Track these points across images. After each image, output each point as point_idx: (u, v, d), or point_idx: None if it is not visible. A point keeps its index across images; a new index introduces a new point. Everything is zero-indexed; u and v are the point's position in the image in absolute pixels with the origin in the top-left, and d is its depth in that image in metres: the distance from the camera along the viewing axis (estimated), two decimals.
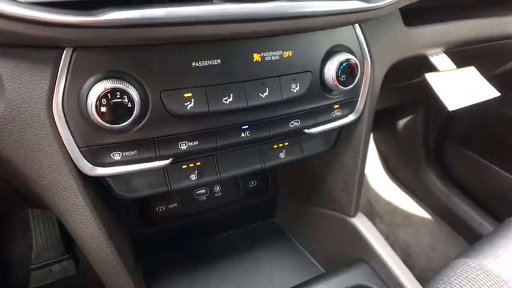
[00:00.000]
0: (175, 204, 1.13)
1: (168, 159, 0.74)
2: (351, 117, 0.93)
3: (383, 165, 2.50)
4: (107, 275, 0.78)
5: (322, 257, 1.19)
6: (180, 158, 0.78)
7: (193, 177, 0.83)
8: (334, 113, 0.89)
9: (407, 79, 1.41)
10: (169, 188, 0.80)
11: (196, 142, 0.75)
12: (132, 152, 0.67)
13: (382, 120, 2.17)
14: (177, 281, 1.12)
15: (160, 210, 1.11)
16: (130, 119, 0.61)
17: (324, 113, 0.88)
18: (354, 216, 1.06)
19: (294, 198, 1.27)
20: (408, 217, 2.22)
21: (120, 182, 0.78)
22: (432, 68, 1.14)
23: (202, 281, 1.12)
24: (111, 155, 0.66)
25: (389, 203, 2.34)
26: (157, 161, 0.73)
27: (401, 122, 2.30)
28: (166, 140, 0.69)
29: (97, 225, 0.73)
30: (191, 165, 0.82)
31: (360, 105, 0.92)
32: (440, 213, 2.12)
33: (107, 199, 0.80)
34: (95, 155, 0.66)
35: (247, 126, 0.79)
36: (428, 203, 2.19)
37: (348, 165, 1.02)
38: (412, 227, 2.18)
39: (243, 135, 0.79)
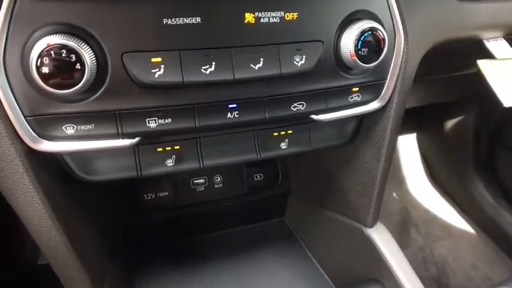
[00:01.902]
0: (167, 193, 1.00)
1: (134, 138, 0.62)
2: (374, 105, 0.76)
3: (425, 170, 2.30)
4: (57, 264, 0.68)
5: (331, 268, 1.03)
6: (151, 139, 0.66)
7: (169, 162, 0.69)
8: (352, 98, 0.72)
9: (456, 69, 1.19)
10: (138, 173, 0.67)
11: (169, 120, 0.61)
12: (89, 126, 0.58)
13: (427, 119, 2.01)
14: (166, 277, 1.00)
15: (149, 198, 0.99)
16: (80, 84, 0.52)
17: (338, 96, 0.71)
18: (371, 226, 0.88)
19: (307, 198, 1.11)
20: (448, 229, 2.01)
21: (80, 161, 0.66)
22: (487, 56, 0.93)
23: (192, 280, 0.99)
24: (64, 128, 0.57)
25: (427, 212, 2.13)
26: (119, 139, 0.61)
27: (450, 123, 2.08)
28: (130, 114, 0.59)
29: (44, 209, 0.62)
30: (168, 148, 0.69)
31: (386, 91, 0.75)
32: (486, 227, 1.91)
33: (69, 181, 0.68)
34: (44, 126, 0.57)
35: (235, 105, 0.64)
36: (473, 215, 1.97)
37: (367, 164, 0.84)
38: (451, 241, 1.97)
39: (229, 115, 0.65)
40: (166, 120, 0.62)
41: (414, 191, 2.18)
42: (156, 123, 0.61)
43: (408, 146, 2.22)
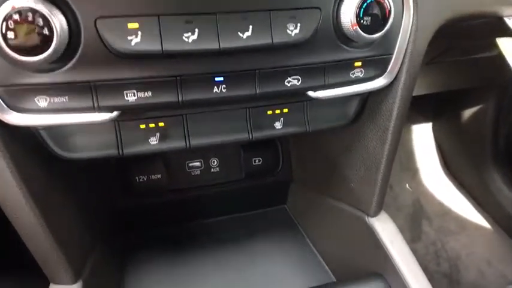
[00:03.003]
0: (160, 176, 0.95)
1: (112, 112, 0.58)
2: (378, 83, 0.70)
3: (440, 161, 2.22)
4: (33, 247, 0.64)
5: (332, 259, 0.98)
6: (133, 115, 0.62)
7: (153, 140, 0.64)
8: (354, 74, 0.66)
9: (474, 50, 1.10)
10: (120, 152, 0.63)
11: (149, 93, 0.57)
12: (62, 99, 0.54)
13: (443, 108, 1.95)
14: (156, 264, 0.96)
15: (141, 180, 0.95)
16: (49, 51, 0.49)
17: (338, 71, 0.65)
18: (374, 215, 0.83)
19: (309, 185, 1.05)
20: (462, 223, 1.93)
21: (57, 137, 0.62)
22: (508, 35, 0.85)
23: (185, 269, 0.95)
24: (36, 99, 0.54)
25: (441, 205, 2.06)
26: (96, 113, 0.57)
27: (467, 112, 1.99)
28: (106, 86, 0.56)
29: (18, 187, 0.58)
30: (151, 125, 0.64)
31: (393, 67, 0.69)
32: (502, 223, 1.82)
33: (48, 160, 0.64)
34: (15, 97, 0.54)
35: (221, 79, 0.59)
36: (489, 209, 1.89)
37: (372, 149, 0.78)
38: (465, 235, 1.90)
39: (216, 90, 0.59)
40: (146, 94, 0.57)
41: (428, 182, 2.10)
42: (134, 96, 0.57)
43: (423, 136, 2.14)
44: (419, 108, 2.01)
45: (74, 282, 0.67)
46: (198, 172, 1.00)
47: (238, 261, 0.99)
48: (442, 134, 2.12)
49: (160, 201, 1.00)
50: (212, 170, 1.01)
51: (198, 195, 1.03)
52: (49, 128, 0.60)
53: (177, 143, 0.65)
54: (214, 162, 1.01)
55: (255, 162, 1.03)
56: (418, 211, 2.11)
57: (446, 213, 1.98)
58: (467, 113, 1.94)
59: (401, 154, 2.09)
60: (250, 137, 0.69)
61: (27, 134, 0.60)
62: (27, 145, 0.61)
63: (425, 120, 2.19)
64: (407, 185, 2.15)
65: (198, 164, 1.00)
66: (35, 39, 0.47)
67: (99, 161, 0.90)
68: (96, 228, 0.82)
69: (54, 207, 0.66)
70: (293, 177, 1.11)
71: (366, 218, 0.83)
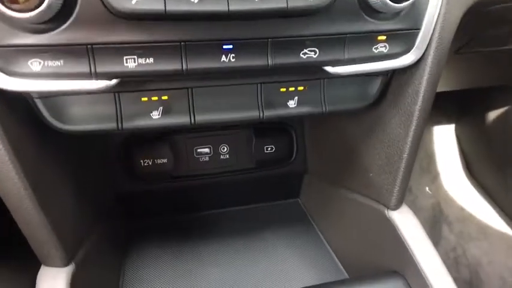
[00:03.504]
0: (165, 160, 0.90)
1: (110, 79, 0.54)
2: (404, 60, 0.64)
3: (462, 163, 2.13)
4: (25, 226, 0.59)
5: (346, 255, 0.92)
6: (134, 86, 0.58)
7: (155, 115, 0.60)
8: (377, 48, 0.61)
9: (504, 40, 1.02)
10: (119, 126, 0.58)
11: (151, 59, 0.52)
12: (57, 62, 0.51)
13: (467, 108, 1.87)
14: (157, 255, 0.91)
15: (145, 164, 0.90)
16: (42, 7, 0.45)
17: (359, 45, 0.60)
18: (394, 209, 0.76)
19: (324, 176, 0.99)
20: (484, 229, 1.84)
21: (53, 107, 0.58)
22: None
23: (188, 261, 0.90)
24: (29, 63, 0.51)
25: (462, 209, 1.98)
26: (93, 80, 0.53)
27: (493, 112, 1.91)
28: (104, 50, 0.52)
29: (9, 160, 0.54)
30: (154, 98, 0.59)
31: (421, 43, 0.63)
32: None
33: (43, 133, 0.60)
34: (7, 59, 0.51)
35: (230, 46, 0.54)
36: None
37: (394, 135, 0.71)
38: (487, 242, 1.81)
39: (224, 58, 0.54)
40: (148, 60, 0.53)
41: (449, 186, 2.02)
42: (135, 62, 0.53)
43: (445, 138, 2.07)
44: (442, 107, 1.93)
45: (66, 264, 0.62)
46: (207, 159, 0.95)
47: (246, 256, 0.93)
48: (466, 135, 2.03)
49: (164, 188, 0.95)
50: (221, 157, 0.96)
51: (205, 183, 0.97)
52: (45, 98, 0.56)
53: (181, 119, 0.60)
54: (224, 148, 0.96)
55: (267, 150, 0.97)
56: (438, 215, 2.04)
57: (467, 218, 1.90)
58: (493, 113, 1.84)
59: (421, 156, 2.01)
60: (261, 115, 0.63)
61: (22, 104, 0.57)
62: (21, 116, 0.57)
63: (448, 120, 2.11)
64: (427, 188, 2.07)
65: (206, 150, 0.95)
66: None
67: (101, 139, 0.87)
68: (95, 211, 0.77)
69: (48, 184, 0.61)
70: (308, 168, 1.05)
71: (386, 211, 0.76)
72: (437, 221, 1.97)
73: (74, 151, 0.73)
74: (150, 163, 0.90)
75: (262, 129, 0.97)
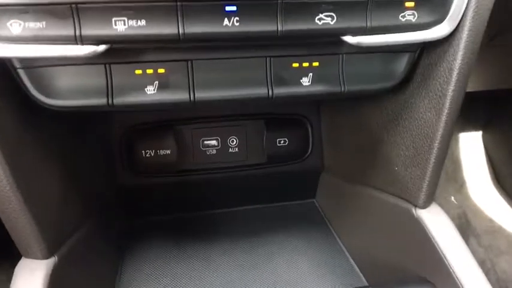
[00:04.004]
0: (169, 152, 0.83)
1: (98, 44, 0.48)
2: (436, 32, 0.56)
3: (490, 173, 2.02)
4: (5, 216, 0.53)
5: (367, 261, 0.83)
6: (126, 56, 0.52)
7: (150, 90, 0.53)
8: (404, 16, 0.53)
9: None
10: (109, 101, 0.52)
11: (143, 22, 0.47)
12: (39, 24, 0.46)
13: (496, 113, 1.78)
14: (157, 255, 0.84)
15: (147, 155, 0.83)
16: None
17: (384, 10, 0.53)
18: (424, 207, 0.67)
19: (343, 173, 0.89)
20: None
21: (38, 79, 0.52)
22: None
23: (190, 265, 0.83)
24: (8, 24, 0.46)
25: (491, 221, 1.90)
26: (78, 45, 0.48)
27: None
28: (91, 10, 0.47)
29: None
30: (149, 71, 0.53)
31: (456, 11, 0.55)
32: None
33: (29, 111, 0.54)
34: None
35: (234, 8, 0.48)
36: None
37: (423, 121, 0.63)
38: None
39: (226, 22, 0.48)
40: (139, 22, 0.47)
41: (476, 196, 1.94)
42: (125, 25, 0.47)
43: (471, 145, 1.97)
44: (469, 112, 1.83)
45: (46, 257, 0.56)
46: (214, 152, 0.88)
47: (253, 260, 0.85)
48: (494, 143, 1.93)
49: (167, 182, 0.88)
50: (230, 150, 0.89)
51: (211, 178, 0.90)
52: (29, 68, 0.51)
53: (179, 95, 0.54)
54: (233, 141, 0.89)
55: (279, 143, 0.89)
56: (465, 227, 1.95)
57: (496, 230, 1.81)
58: None
59: (446, 163, 1.90)
60: (270, 93, 0.56)
61: (3, 76, 0.50)
62: (2, 89, 0.51)
63: (475, 127, 2.01)
64: (452, 197, 1.97)
65: (214, 142, 0.88)
66: None
67: (100, 125, 0.81)
68: (89, 204, 0.71)
69: (32, 168, 0.55)
70: (324, 165, 0.96)
71: (413, 210, 0.67)
72: (464, 232, 1.91)
73: (67, 136, 0.66)
74: (153, 154, 0.83)
75: (274, 120, 0.89)
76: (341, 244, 0.90)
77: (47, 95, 0.52)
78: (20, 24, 0.46)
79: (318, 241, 0.91)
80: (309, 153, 0.94)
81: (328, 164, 0.96)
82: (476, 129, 1.94)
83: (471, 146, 1.98)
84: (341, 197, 0.92)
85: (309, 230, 0.94)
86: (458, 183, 1.92)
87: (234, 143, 0.89)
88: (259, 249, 0.88)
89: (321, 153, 0.95)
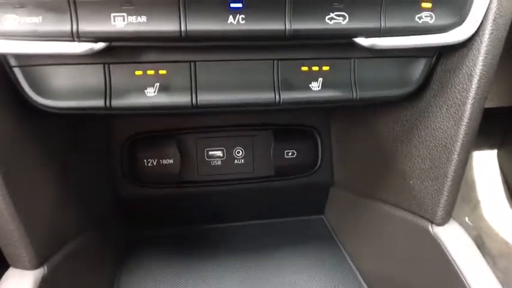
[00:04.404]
0: (172, 161, 0.80)
1: (96, 41, 0.45)
2: (456, 34, 0.52)
3: (506, 192, 1.94)
4: None
5: (379, 282, 0.78)
6: (130, 57, 0.50)
7: (150, 92, 0.50)
8: (421, 18, 0.50)
9: None
10: (107, 103, 0.49)
11: (144, 18, 0.44)
12: (35, 19, 0.44)
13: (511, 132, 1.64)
14: (157, 271, 0.80)
15: (149, 164, 0.80)
16: None
17: (400, 11, 0.50)
18: (441, 224, 0.62)
19: (354, 188, 0.85)
20: None
21: (34, 78, 0.50)
22: None
23: (191, 279, 0.78)
24: (2, 18, 0.44)
25: (507, 243, 1.80)
26: (75, 42, 0.45)
27: None
28: (89, 4, 0.44)
29: None
30: (150, 72, 0.50)
31: (476, 12, 0.51)
32: None
33: (22, 111, 0.52)
34: None
35: (239, 5, 0.45)
36: None
37: (441, 131, 0.59)
38: None
39: (231, 20, 0.45)
40: (139, 18, 0.44)
41: (491, 217, 1.88)
42: (124, 21, 0.45)
43: (486, 163, 1.91)
44: (483, 129, 1.77)
45: (35, 267, 0.52)
46: (219, 163, 0.84)
47: (258, 279, 0.80)
48: (509, 161, 1.88)
49: (169, 194, 0.84)
50: (236, 161, 0.85)
51: (215, 191, 0.86)
52: (24, 67, 0.48)
53: (180, 98, 0.51)
54: (239, 152, 0.85)
55: (287, 155, 0.85)
56: (480, 249, 1.83)
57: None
58: None
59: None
60: (277, 98, 0.52)
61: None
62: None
63: (490, 145, 1.93)
64: (466, 218, 1.87)
65: (219, 153, 0.84)
66: None
67: (101, 132, 0.78)
68: (86, 213, 0.67)
69: (23, 172, 0.52)
70: (334, 179, 0.92)
71: (430, 227, 0.62)
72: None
73: (64, 141, 0.64)
74: (155, 163, 0.79)
75: (283, 131, 0.86)
76: (351, 263, 0.85)
77: (43, 95, 0.50)
78: (15, 19, 0.44)
79: (327, 260, 0.86)
80: (318, 166, 0.89)
81: (338, 177, 0.91)
82: (491, 147, 1.87)
83: (486, 164, 1.91)
84: (351, 212, 0.87)
85: (317, 248, 0.89)
86: (472, 203, 1.83)
87: (240, 154, 0.85)
88: (264, 268, 0.83)
89: (331, 166, 0.90)
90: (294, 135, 0.86)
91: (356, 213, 0.85)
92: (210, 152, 0.84)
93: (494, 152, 1.91)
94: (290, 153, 0.85)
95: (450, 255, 0.59)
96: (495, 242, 1.86)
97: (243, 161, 0.85)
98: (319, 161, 0.89)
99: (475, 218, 1.87)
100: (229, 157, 0.84)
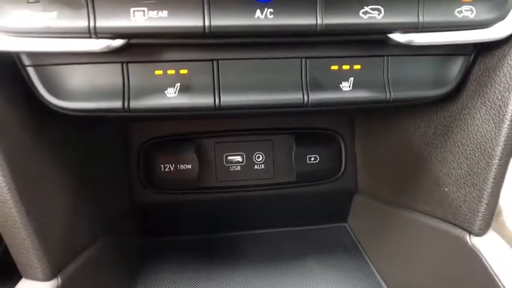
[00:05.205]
0: (190, 167, 0.77)
1: (114, 38, 0.43)
2: (497, 30, 0.49)
3: None
4: (9, 239, 0.47)
5: None
6: (149, 57, 0.47)
7: (170, 92, 0.47)
8: (461, 12, 0.47)
9: None
10: (125, 104, 0.46)
11: (165, 13, 0.41)
12: (50, 14, 0.42)
13: None
14: (174, 279, 0.77)
15: (167, 169, 0.77)
16: None
17: (438, 4, 0.47)
18: (480, 234, 0.58)
19: (380, 195, 0.81)
20: None
21: (49, 79, 0.47)
22: None
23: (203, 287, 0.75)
24: (17, 15, 0.41)
25: None
26: (92, 39, 0.43)
27: None
28: None
29: None
30: (170, 71, 0.48)
31: None
32: None
33: (36, 116, 0.49)
34: None
35: None
36: None
37: (479, 134, 0.55)
38: None
39: (259, 14, 0.42)
40: (161, 13, 0.42)
41: None
42: (144, 16, 0.42)
43: (508, 169, 1.83)
44: None
45: (48, 278, 0.49)
46: (238, 168, 0.81)
47: (279, 284, 0.76)
48: None
49: (187, 200, 0.81)
50: (256, 167, 0.81)
51: (235, 197, 0.82)
52: (39, 66, 0.46)
53: (203, 99, 0.48)
54: (259, 157, 0.82)
55: (309, 160, 0.81)
56: None
57: None
58: None
59: None
60: (306, 99, 0.49)
61: (11, 75, 0.46)
62: (9, 90, 0.46)
63: None
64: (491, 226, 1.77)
65: (238, 158, 0.81)
66: None
67: (118, 136, 0.76)
68: (101, 221, 0.65)
69: (36, 178, 0.50)
70: (358, 185, 0.87)
71: (468, 238, 0.58)
72: None
73: (79, 146, 0.61)
74: (172, 169, 0.76)
75: (304, 135, 0.82)
76: (377, 274, 0.80)
77: (57, 96, 0.47)
78: (29, 15, 0.41)
79: (350, 270, 0.82)
80: (341, 171, 0.85)
81: (362, 184, 0.87)
82: None
83: (508, 169, 1.83)
84: (376, 221, 0.83)
85: (340, 258, 0.85)
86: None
87: (260, 159, 0.82)
88: (285, 277, 0.79)
89: (355, 172, 0.86)
90: (317, 140, 0.82)
91: (382, 222, 0.81)
92: (229, 157, 0.81)
93: None
94: (312, 159, 0.81)
95: (491, 269, 0.54)
96: None
97: (263, 166, 0.81)
98: (343, 166, 0.85)
99: (497, 225, 1.78)
100: (248, 162, 0.81)
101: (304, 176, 0.82)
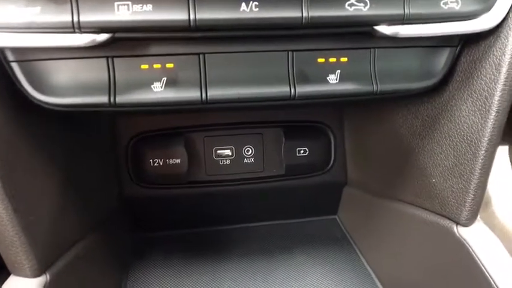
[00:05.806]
0: (179, 161, 0.76)
1: (99, 33, 0.43)
2: (483, 22, 0.49)
3: None
4: None
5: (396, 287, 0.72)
6: (135, 51, 0.47)
7: (157, 87, 0.47)
8: (446, 3, 0.48)
9: None
10: (111, 99, 0.46)
11: (149, 6, 0.41)
12: (34, 9, 0.41)
13: None
14: (165, 275, 0.77)
15: (155, 164, 0.77)
16: None
17: None
18: (467, 224, 0.59)
19: (369, 187, 0.82)
20: None
21: (33, 74, 0.47)
22: None
23: (199, 283, 0.75)
24: (2, 9, 0.41)
25: None
26: (77, 33, 0.43)
27: None
28: None
29: None
30: (157, 65, 0.47)
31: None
32: None
33: (22, 109, 0.49)
34: None
35: None
36: None
37: (466, 125, 0.55)
38: None
39: (244, 7, 0.42)
40: (145, 7, 0.41)
41: (504, 216, 1.84)
42: (129, 9, 0.41)
43: (497, 159, 1.86)
44: None
45: (37, 275, 0.49)
46: (228, 162, 0.81)
47: (269, 281, 0.77)
48: None
49: (177, 195, 0.81)
50: (245, 160, 0.82)
51: (224, 191, 0.83)
52: (23, 62, 0.45)
53: (190, 93, 0.47)
54: (248, 151, 0.82)
55: (299, 153, 0.81)
56: None
57: None
58: None
59: None
60: (293, 92, 0.49)
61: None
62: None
63: (500, 141, 1.86)
64: (478, 216, 1.80)
65: (228, 152, 0.81)
66: None
67: (105, 131, 0.75)
68: (90, 216, 0.64)
69: (23, 173, 0.49)
70: (348, 178, 0.88)
71: (455, 229, 0.59)
72: None
73: (66, 141, 0.61)
74: (161, 163, 0.76)
75: (293, 128, 0.82)
76: (367, 266, 0.81)
77: (43, 92, 0.46)
78: (13, 10, 0.41)
79: (341, 263, 0.83)
80: (331, 164, 0.86)
81: (352, 176, 0.88)
82: (501, 143, 1.82)
83: (496, 160, 1.86)
84: (367, 213, 0.84)
85: (330, 250, 0.86)
86: (484, 200, 1.79)
87: (250, 152, 0.82)
88: (275, 270, 0.79)
89: (345, 164, 0.87)
90: (306, 133, 0.83)
91: (372, 214, 0.82)
92: (219, 151, 0.81)
93: (506, 147, 1.86)
94: (302, 151, 0.81)
95: (478, 258, 0.55)
96: (508, 241, 1.81)
97: (252, 159, 0.82)
98: (332, 159, 0.86)
99: (486, 215, 1.82)
100: (238, 156, 0.81)
101: (293, 169, 0.83)
